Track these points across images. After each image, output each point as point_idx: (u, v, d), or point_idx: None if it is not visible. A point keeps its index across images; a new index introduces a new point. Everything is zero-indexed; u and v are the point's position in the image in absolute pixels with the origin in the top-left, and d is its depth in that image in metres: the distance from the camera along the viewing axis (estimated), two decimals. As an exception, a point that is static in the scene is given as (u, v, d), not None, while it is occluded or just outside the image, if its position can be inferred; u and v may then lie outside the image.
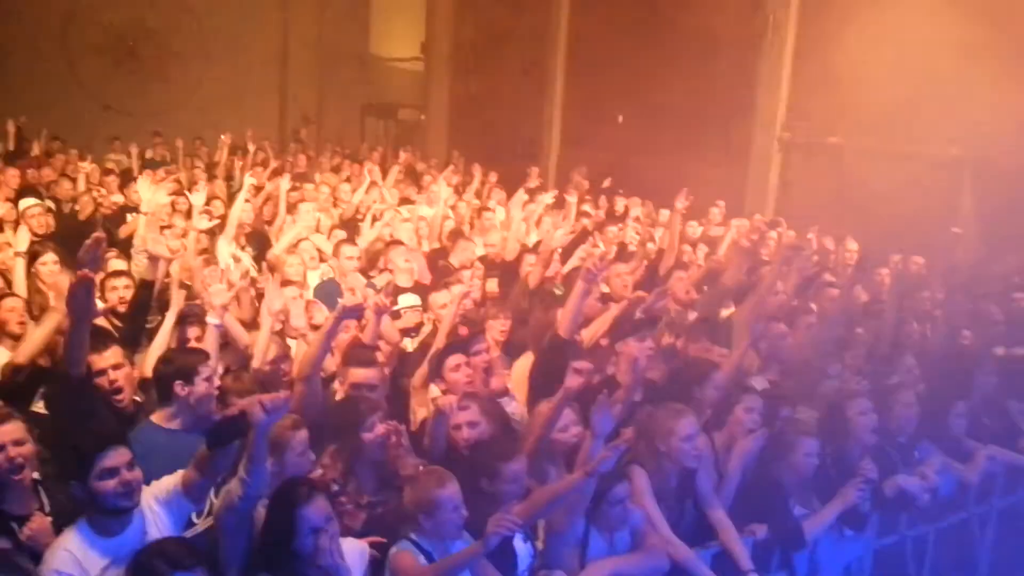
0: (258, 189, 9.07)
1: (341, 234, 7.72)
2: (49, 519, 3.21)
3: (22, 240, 5.63)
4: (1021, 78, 8.84)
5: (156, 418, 3.90)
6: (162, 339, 4.57)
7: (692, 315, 6.07)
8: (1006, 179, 9.50)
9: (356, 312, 4.26)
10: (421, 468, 3.49)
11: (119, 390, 4.06)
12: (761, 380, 5.05)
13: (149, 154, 12.61)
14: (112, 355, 4.07)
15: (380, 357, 4.64)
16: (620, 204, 10.83)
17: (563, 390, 3.78)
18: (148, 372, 4.32)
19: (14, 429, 3.22)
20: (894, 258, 8.50)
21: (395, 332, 5.20)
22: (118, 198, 8.75)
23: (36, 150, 11.42)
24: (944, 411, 4.91)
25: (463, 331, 5.31)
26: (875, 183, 10.05)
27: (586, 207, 10.07)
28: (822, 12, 11.06)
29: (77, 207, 8.40)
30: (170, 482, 3.20)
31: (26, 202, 7.27)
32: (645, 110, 13.01)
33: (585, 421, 3.97)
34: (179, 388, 3.85)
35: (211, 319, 4.33)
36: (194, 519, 3.42)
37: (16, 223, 7.32)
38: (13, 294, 5.08)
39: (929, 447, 4.78)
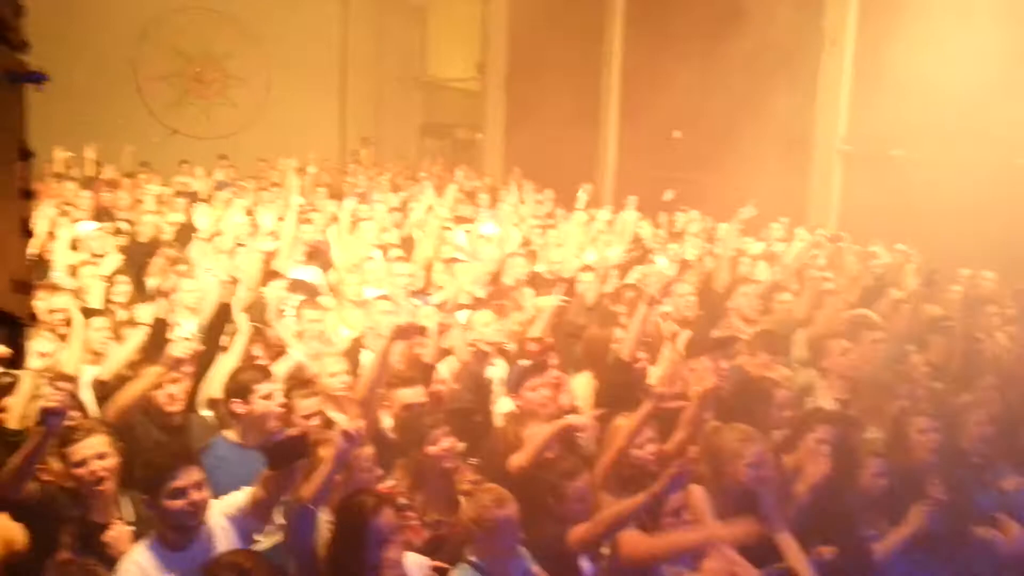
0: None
1: (398, 253, 7.83)
2: (129, 528, 3.31)
3: (108, 264, 5.84)
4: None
5: (228, 434, 4.00)
6: (229, 360, 4.68)
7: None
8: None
9: (409, 333, 4.29)
10: (479, 484, 3.50)
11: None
12: (829, 399, 4.96)
13: (217, 176, 12.95)
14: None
15: (446, 373, 4.67)
16: (681, 220, 10.76)
17: (645, 406, 3.75)
18: (213, 392, 4.44)
19: (98, 443, 3.36)
20: (963, 273, 8.30)
21: (469, 353, 5.08)
22: (179, 217, 8.89)
23: (112, 173, 11.79)
24: (1019, 430, 4.75)
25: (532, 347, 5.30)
26: (940, 195, 9.79)
27: (644, 223, 10.04)
28: (881, 21, 10.86)
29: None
30: (238, 499, 3.27)
31: (85, 226, 7.48)
32: (702, 125, 12.89)
33: (663, 438, 3.97)
34: (237, 406, 3.95)
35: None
36: (257, 537, 3.49)
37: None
38: (100, 313, 5.27)
39: (1005, 467, 4.62)
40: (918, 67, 10.00)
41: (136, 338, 4.59)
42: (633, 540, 3.32)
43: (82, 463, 3.33)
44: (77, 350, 4.70)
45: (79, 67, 14.70)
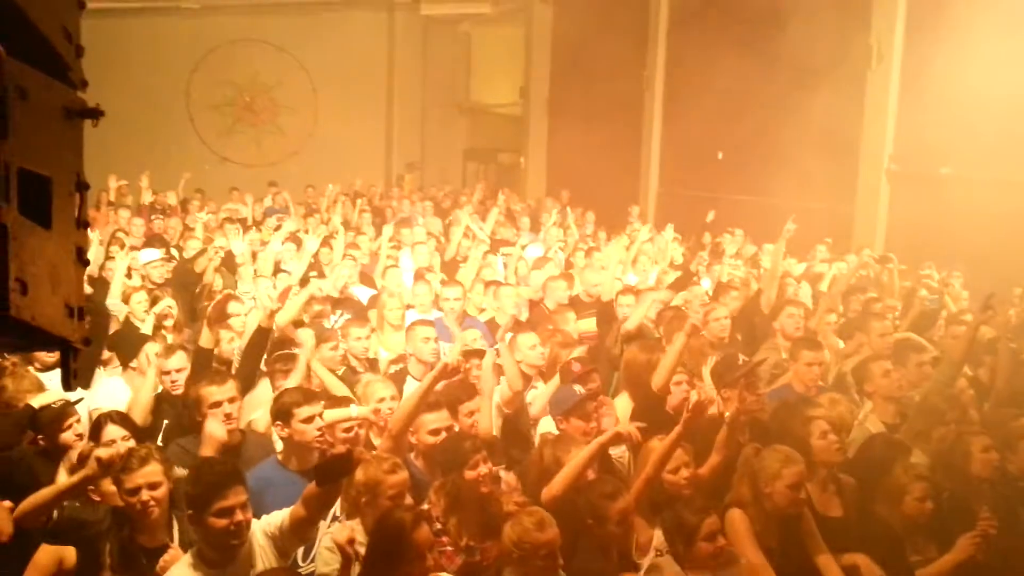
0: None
1: (442, 276, 7.92)
2: (182, 553, 3.34)
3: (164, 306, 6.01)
4: None
5: (279, 456, 4.08)
6: (291, 379, 4.77)
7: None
8: None
9: (454, 373, 4.29)
10: (524, 506, 3.50)
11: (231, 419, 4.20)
12: (876, 422, 4.89)
13: (268, 203, 13.24)
14: (230, 388, 4.25)
15: (499, 399, 4.67)
16: (726, 240, 10.70)
17: (677, 430, 3.72)
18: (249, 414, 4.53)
19: (152, 472, 3.38)
20: (1016, 292, 8.12)
21: (519, 378, 5.01)
22: (223, 242, 8.95)
23: (170, 199, 12.12)
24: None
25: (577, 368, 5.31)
26: (990, 214, 9.60)
27: (678, 246, 10.01)
28: (928, 37, 10.72)
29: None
30: (279, 517, 3.30)
31: (146, 255, 7.70)
32: (745, 146, 12.83)
33: (698, 462, 3.94)
34: (278, 429, 4.02)
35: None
36: (299, 560, 3.54)
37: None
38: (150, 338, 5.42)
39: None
40: (966, 83, 9.86)
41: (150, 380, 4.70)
42: None
43: (135, 491, 3.36)
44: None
45: (133, 98, 15.21)
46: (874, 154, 11.44)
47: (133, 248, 8.09)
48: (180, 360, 4.97)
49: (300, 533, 3.30)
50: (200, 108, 17.40)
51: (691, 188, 13.96)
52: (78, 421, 4.24)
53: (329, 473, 3.10)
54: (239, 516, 3.12)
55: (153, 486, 3.36)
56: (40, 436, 4.17)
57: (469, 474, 3.65)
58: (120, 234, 8.86)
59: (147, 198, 12.12)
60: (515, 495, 3.80)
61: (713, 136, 13.51)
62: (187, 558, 3.19)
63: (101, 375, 5.55)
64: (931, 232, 10.09)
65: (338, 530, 3.25)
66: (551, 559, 3.23)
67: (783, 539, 3.68)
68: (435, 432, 4.12)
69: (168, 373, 4.91)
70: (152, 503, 3.35)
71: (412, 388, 5.09)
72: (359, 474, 3.52)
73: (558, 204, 12.93)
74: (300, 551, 3.56)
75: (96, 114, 1.78)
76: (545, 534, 3.23)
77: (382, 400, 4.55)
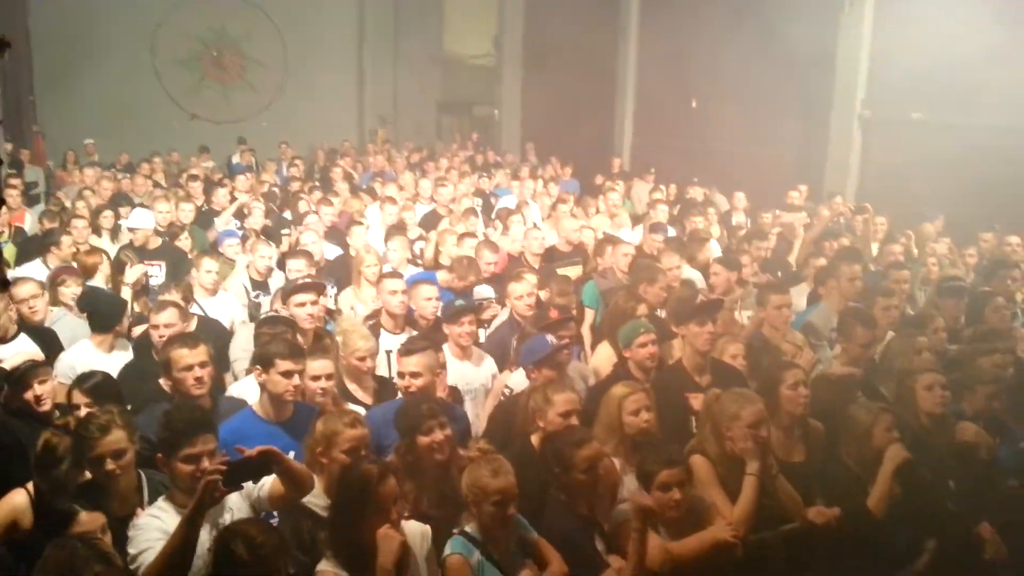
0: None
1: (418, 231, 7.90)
2: None
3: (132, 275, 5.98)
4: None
5: (254, 405, 4.09)
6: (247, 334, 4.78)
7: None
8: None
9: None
10: (485, 455, 3.47)
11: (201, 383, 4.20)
12: (838, 367, 4.97)
13: (235, 159, 13.09)
14: (201, 352, 4.23)
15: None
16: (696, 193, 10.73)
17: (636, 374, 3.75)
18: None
19: (115, 439, 3.29)
20: (984, 236, 8.22)
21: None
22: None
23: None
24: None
25: (553, 314, 5.39)
26: (962, 158, 9.66)
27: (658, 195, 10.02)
28: (899, -18, 10.68)
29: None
30: (256, 488, 3.28)
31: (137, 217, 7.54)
32: (719, 94, 12.80)
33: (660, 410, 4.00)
34: (257, 374, 4.03)
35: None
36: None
37: (112, 230, 7.76)
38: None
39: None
40: (937, 28, 9.85)
41: None
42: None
43: (99, 462, 3.28)
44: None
45: (99, 56, 14.88)
46: (846, 100, 11.44)
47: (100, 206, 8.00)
48: (170, 316, 4.95)
49: (277, 505, 3.34)
50: (167, 64, 17.02)
51: (666, 137, 13.93)
52: (44, 381, 4.21)
53: (240, 474, 3.01)
54: (206, 463, 3.13)
55: (118, 454, 3.29)
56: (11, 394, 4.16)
57: (422, 439, 3.60)
58: (87, 192, 8.75)
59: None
60: (480, 443, 3.78)
61: (687, 85, 13.45)
62: (160, 501, 3.22)
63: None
64: (903, 177, 10.15)
65: None
66: (502, 507, 3.23)
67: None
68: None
69: (157, 327, 4.91)
70: (118, 471, 3.30)
71: (385, 341, 5.14)
72: (319, 426, 3.53)
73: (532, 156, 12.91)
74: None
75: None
76: (498, 481, 3.23)
77: (356, 351, 4.58)
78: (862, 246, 7.93)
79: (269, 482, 3.26)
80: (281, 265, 6.64)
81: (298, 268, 6.13)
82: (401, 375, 4.24)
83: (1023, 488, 4.49)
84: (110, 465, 3.28)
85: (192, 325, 5.26)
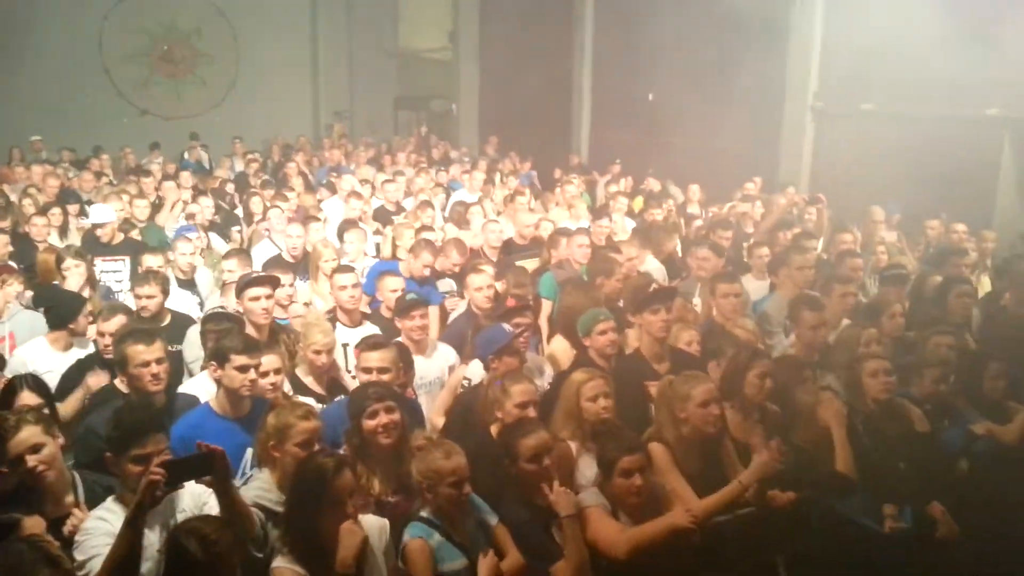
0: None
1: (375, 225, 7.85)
2: (86, 515, 3.20)
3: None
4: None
5: (212, 402, 4.03)
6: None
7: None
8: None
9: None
10: (434, 442, 3.48)
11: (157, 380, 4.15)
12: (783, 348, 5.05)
13: (187, 156, 12.89)
14: (158, 348, 4.17)
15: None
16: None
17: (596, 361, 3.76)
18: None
19: (29, 436, 3.17)
20: (931, 223, 8.39)
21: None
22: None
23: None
24: (980, 373, 4.85)
25: (509, 303, 5.41)
26: (912, 148, 9.87)
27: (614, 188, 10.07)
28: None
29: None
30: (205, 496, 3.21)
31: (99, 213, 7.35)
32: (674, 87, 12.90)
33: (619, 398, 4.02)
34: (211, 370, 3.97)
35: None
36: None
37: (61, 227, 7.59)
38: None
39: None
40: (888, 20, 10.03)
41: None
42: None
43: (19, 461, 3.15)
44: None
45: (44, 52, 14.53)
46: (798, 92, 11.61)
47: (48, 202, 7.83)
48: (117, 323, 4.83)
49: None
50: (115, 59, 16.64)
51: (623, 130, 14.00)
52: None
53: (181, 473, 2.95)
54: (157, 462, 3.01)
55: (35, 448, 3.17)
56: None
57: (368, 423, 3.57)
58: (32, 190, 8.55)
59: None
60: (425, 433, 3.79)
61: (644, 78, 13.53)
62: (109, 503, 3.14)
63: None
64: (855, 168, 10.33)
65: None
66: (458, 487, 3.24)
67: (703, 464, 3.79)
68: (367, 372, 4.21)
69: (103, 335, 4.80)
70: (42, 467, 3.17)
71: (341, 335, 5.10)
72: (270, 419, 3.49)
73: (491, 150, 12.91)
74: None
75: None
76: (451, 461, 3.26)
77: (313, 344, 4.56)
78: (817, 236, 8.05)
79: (213, 503, 3.17)
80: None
81: (231, 268, 6.06)
82: (368, 370, 4.22)
83: (972, 470, 4.60)
84: (31, 461, 3.15)
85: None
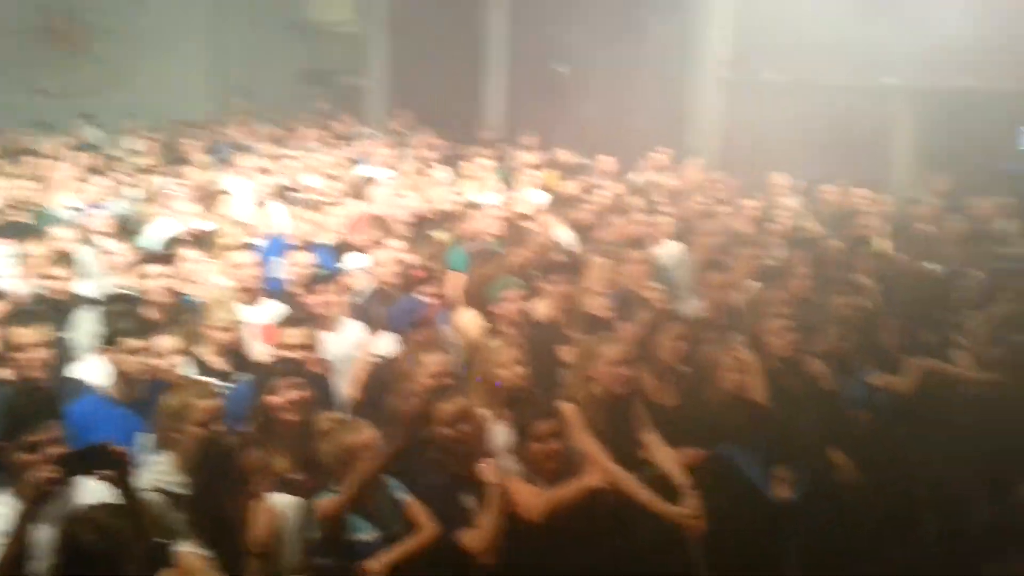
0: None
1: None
2: None
3: None
4: (954, 5, 8.89)
5: (105, 386, 3.88)
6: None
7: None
8: (944, 106, 9.65)
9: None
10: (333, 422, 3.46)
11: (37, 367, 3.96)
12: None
13: (80, 135, 12.30)
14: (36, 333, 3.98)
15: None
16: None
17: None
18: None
19: None
20: (824, 188, 8.65)
21: None
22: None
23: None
24: (877, 330, 5.05)
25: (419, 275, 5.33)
26: (815, 117, 10.13)
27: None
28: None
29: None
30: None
31: None
32: (588, 59, 12.93)
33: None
34: (105, 353, 3.83)
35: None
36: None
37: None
38: None
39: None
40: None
41: None
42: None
43: None
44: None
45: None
46: (707, 62, 11.77)
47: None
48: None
49: None
50: (2, 33, 15.70)
51: (537, 103, 13.97)
52: None
53: (79, 465, 2.87)
54: (51, 451, 2.95)
55: None
56: None
57: (273, 400, 3.52)
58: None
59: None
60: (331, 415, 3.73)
61: (558, 49, 13.54)
62: (4, 497, 2.99)
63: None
64: (761, 136, 10.53)
65: None
66: (369, 462, 3.21)
67: (613, 423, 3.84)
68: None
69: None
70: None
71: (243, 313, 4.96)
72: (168, 399, 3.38)
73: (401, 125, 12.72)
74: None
75: None
76: (360, 436, 3.24)
77: (216, 322, 4.44)
78: (724, 202, 8.22)
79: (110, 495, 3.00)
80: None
81: (119, 248, 5.77)
82: (286, 347, 4.16)
83: (874, 422, 4.79)
84: None
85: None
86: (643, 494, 3.65)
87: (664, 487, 3.75)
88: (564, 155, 10.55)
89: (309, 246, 6.03)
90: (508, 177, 9.33)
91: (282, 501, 3.20)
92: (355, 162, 9.96)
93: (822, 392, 4.59)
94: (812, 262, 6.02)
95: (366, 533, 3.24)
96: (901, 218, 7.84)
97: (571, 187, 8.56)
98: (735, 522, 3.87)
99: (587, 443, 3.69)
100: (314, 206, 7.08)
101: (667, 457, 3.85)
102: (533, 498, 3.40)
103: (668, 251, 6.60)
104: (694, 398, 4.18)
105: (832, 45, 9.93)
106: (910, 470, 4.69)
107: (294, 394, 3.54)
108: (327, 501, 3.21)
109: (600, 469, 3.56)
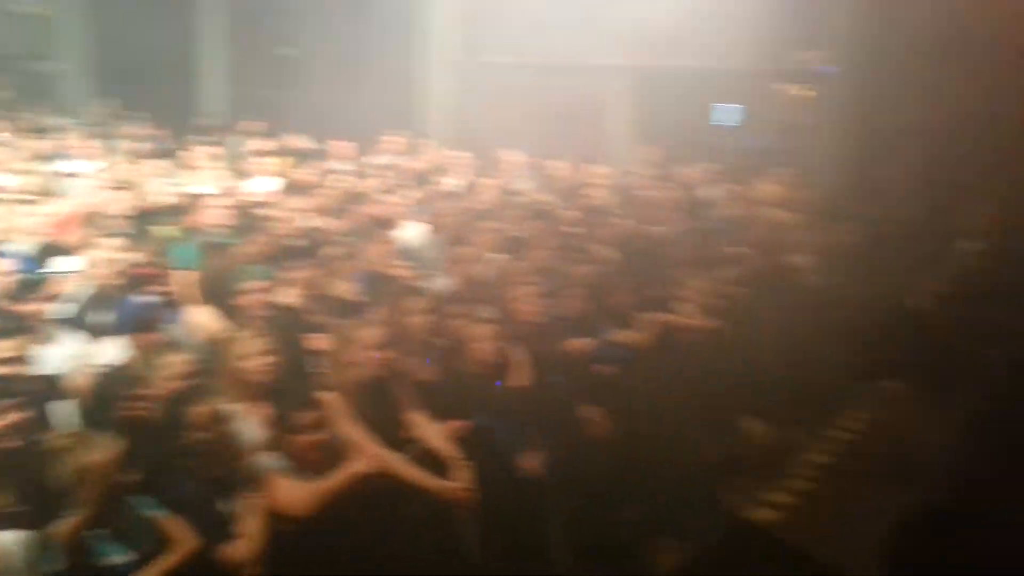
0: None
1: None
2: None
3: None
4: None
5: None
6: None
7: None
8: (653, 83, 10.44)
9: None
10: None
11: None
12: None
13: None
14: None
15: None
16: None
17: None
18: None
19: None
20: (554, 162, 9.08)
21: None
22: None
23: None
24: (611, 288, 5.39)
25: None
26: (542, 97, 10.57)
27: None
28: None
29: None
30: None
31: None
32: (313, 43, 12.56)
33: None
34: None
35: None
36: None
37: None
38: None
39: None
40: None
41: None
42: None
43: None
44: None
45: None
46: (435, 44, 11.85)
47: None
48: None
49: None
50: None
51: (263, 88, 13.34)
52: None
53: None
54: None
55: None
56: None
57: None
58: None
59: None
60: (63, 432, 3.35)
61: (283, 33, 13.01)
62: None
63: None
64: (494, 117, 10.81)
65: None
66: (109, 480, 2.97)
67: (376, 406, 3.76)
68: None
69: None
70: None
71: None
72: None
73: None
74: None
75: None
76: (97, 454, 2.98)
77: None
78: (461, 181, 8.34)
79: None
80: None
81: None
82: None
83: (619, 375, 5.09)
84: None
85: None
86: (413, 473, 3.61)
87: (433, 462, 3.73)
88: (296, 141, 10.16)
89: (7, 251, 5.31)
90: (237, 165, 8.82)
91: (5, 539, 2.78)
92: (52, 156, 8.90)
93: (569, 352, 4.79)
94: (550, 233, 6.29)
95: (117, 556, 2.96)
96: (622, 188, 8.42)
97: (306, 173, 8.27)
98: (499, 487, 3.94)
99: (351, 430, 3.57)
100: (7, 206, 6.23)
101: (433, 433, 3.84)
102: (298, 493, 3.24)
103: (412, 231, 6.58)
104: (451, 371, 4.19)
105: (553, 27, 10.39)
106: (652, 416, 5.04)
107: (11, 417, 3.10)
108: (64, 526, 2.85)
109: (367, 454, 3.47)
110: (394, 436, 3.67)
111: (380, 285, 4.84)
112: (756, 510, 4.72)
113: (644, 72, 10.52)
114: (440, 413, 3.98)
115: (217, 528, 3.15)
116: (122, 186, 7.21)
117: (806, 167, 8.80)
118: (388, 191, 7.33)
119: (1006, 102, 7.70)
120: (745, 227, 6.99)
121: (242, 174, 8.33)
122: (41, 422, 3.51)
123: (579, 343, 4.91)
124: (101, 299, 4.89)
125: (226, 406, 3.48)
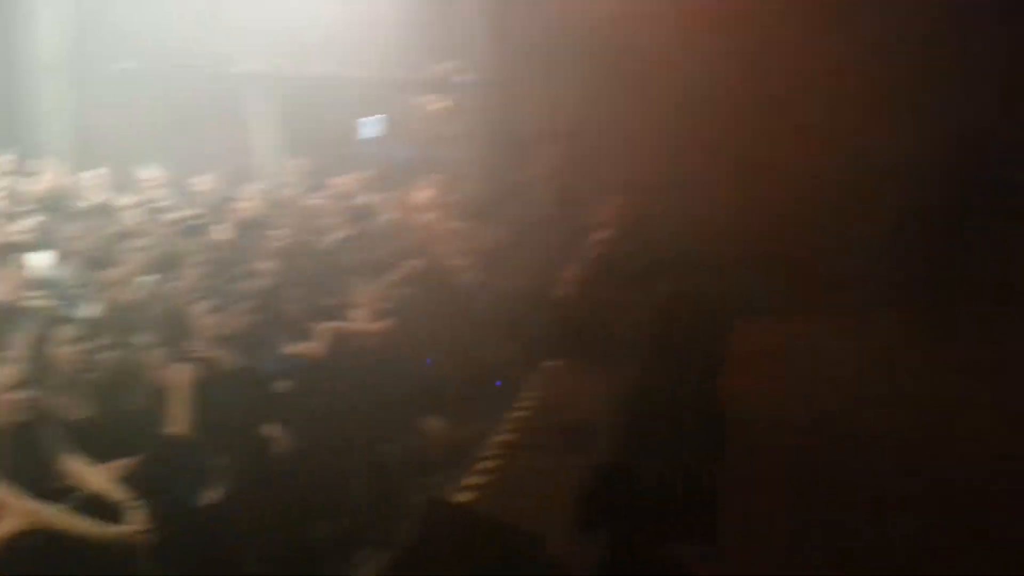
0: None
1: None
2: None
3: None
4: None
5: None
6: None
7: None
8: (299, 93, 10.29)
9: None
10: None
11: None
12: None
13: None
14: None
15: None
16: None
17: None
18: None
19: None
20: (197, 178, 8.63)
21: None
22: None
23: None
24: (280, 301, 5.26)
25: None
26: (175, 106, 9.92)
27: None
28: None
29: None
30: None
31: None
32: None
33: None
34: None
35: None
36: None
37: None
38: None
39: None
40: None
41: None
42: None
43: None
44: None
45: None
46: (48, 55, 10.59)
47: None
48: None
49: None
50: None
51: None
52: None
53: None
54: None
55: None
56: None
57: None
58: None
59: None
60: None
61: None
62: None
63: None
64: (123, 128, 9.94)
65: None
66: None
67: (22, 455, 3.29)
68: None
69: None
70: None
71: None
72: None
73: None
74: None
75: None
76: None
77: None
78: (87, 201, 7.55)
79: None
80: None
81: None
82: None
83: (296, 389, 4.95)
84: None
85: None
86: (75, 523, 3.19)
87: (102, 508, 3.34)
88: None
89: None
90: None
91: None
92: None
93: (244, 372, 4.59)
94: (204, 249, 5.97)
95: None
96: (277, 200, 8.21)
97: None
98: (180, 521, 3.64)
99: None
100: None
101: (94, 476, 3.43)
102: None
103: (42, 258, 5.85)
104: (112, 405, 3.80)
105: (188, 34, 9.83)
106: (334, 426, 4.99)
107: None
108: None
109: (15, 512, 3.00)
110: (48, 486, 3.23)
111: (12, 318, 4.24)
112: (455, 495, 4.89)
113: (286, 81, 10.36)
114: (101, 454, 3.58)
115: None
116: None
117: (454, 174, 9.29)
118: (6, 217, 6.45)
119: (624, 101, 8.81)
120: (404, 232, 7.21)
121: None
122: None
123: (252, 360, 4.71)
124: None
125: None
